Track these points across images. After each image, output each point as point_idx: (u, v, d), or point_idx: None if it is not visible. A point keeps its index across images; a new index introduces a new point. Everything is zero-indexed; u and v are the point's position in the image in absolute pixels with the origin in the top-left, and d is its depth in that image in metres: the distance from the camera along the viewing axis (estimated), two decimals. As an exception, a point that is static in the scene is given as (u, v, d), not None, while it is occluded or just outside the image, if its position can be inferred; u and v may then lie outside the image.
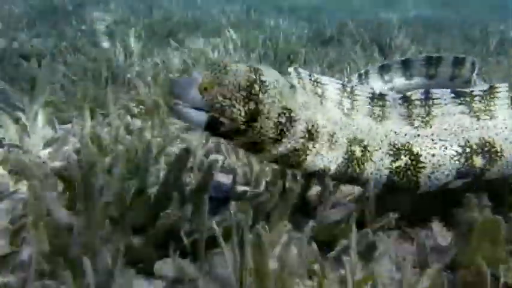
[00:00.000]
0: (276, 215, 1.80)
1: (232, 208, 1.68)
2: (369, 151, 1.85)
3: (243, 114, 1.66)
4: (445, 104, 1.87)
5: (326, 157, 1.83)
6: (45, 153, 2.57)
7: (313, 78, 1.88)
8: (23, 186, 2.10)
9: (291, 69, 1.86)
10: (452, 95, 1.88)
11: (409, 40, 6.58)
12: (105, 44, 5.30)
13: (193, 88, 1.64)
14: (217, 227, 1.56)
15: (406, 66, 3.81)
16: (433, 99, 1.88)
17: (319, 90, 1.87)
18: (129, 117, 3.29)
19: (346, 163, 1.85)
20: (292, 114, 1.74)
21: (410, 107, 1.88)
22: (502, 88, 1.89)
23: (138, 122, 3.21)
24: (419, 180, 1.85)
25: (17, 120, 2.69)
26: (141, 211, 1.78)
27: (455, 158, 1.83)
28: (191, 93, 1.63)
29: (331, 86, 1.91)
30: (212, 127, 1.68)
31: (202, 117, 1.65)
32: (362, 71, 3.83)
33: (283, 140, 1.75)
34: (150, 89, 3.68)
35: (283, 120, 1.72)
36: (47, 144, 2.62)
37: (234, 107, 1.65)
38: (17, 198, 2.03)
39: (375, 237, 1.77)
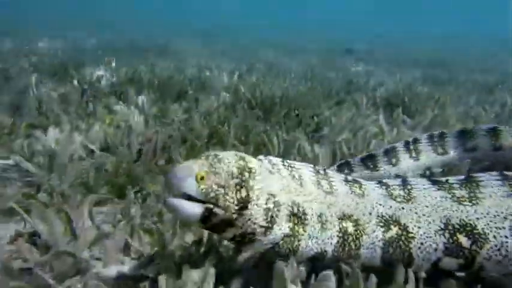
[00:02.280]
0: None
1: None
2: (360, 225, 1.85)
3: (235, 202, 1.66)
4: (424, 189, 1.93)
5: (320, 239, 1.81)
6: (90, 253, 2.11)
7: (286, 164, 1.90)
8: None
9: (261, 157, 1.87)
10: (429, 182, 1.95)
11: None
12: (118, 108, 4.92)
13: (189, 177, 1.63)
14: None
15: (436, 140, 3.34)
16: (411, 184, 1.95)
17: (296, 174, 1.89)
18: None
19: (342, 241, 1.82)
20: (276, 199, 1.76)
21: (388, 189, 1.94)
22: (483, 177, 1.92)
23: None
24: (412, 252, 1.83)
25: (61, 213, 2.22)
26: None
27: (440, 233, 1.83)
28: (187, 182, 1.63)
29: (306, 169, 1.93)
30: (206, 219, 1.66)
31: (197, 209, 1.64)
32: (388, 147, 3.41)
33: (274, 227, 1.74)
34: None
35: (271, 205, 1.74)
36: (93, 243, 2.15)
37: (227, 195, 1.66)
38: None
39: None
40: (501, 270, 1.84)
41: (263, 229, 1.72)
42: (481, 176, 1.94)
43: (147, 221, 2.48)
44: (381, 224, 1.85)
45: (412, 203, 1.89)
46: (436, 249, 1.83)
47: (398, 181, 1.98)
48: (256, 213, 1.70)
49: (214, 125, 4.34)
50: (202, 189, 1.63)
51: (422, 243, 1.83)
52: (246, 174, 1.70)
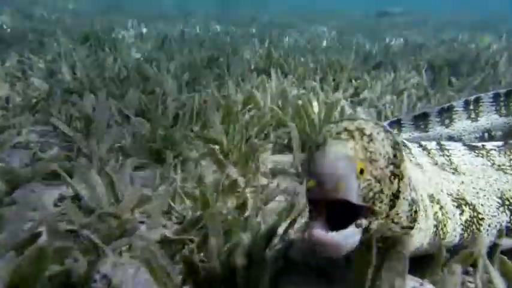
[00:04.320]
0: None
1: None
2: (443, 207, 1.49)
3: (386, 201, 1.17)
4: (462, 155, 1.66)
5: (424, 230, 1.41)
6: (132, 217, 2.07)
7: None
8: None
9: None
10: (465, 147, 1.69)
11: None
12: (151, 73, 4.84)
13: (353, 174, 1.08)
14: None
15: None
16: (447, 149, 1.67)
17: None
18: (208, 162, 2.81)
19: (435, 231, 1.46)
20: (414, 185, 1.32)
21: (430, 155, 1.64)
22: None
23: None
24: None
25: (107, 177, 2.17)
26: None
27: (501, 209, 1.58)
28: (352, 184, 1.08)
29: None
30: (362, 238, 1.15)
31: (355, 234, 1.11)
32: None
33: (415, 225, 1.30)
34: (227, 126, 3.18)
35: (414, 195, 1.28)
36: (136, 206, 2.11)
37: (383, 193, 1.16)
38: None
39: None
40: None
41: (404, 230, 1.27)
42: None
43: (187, 185, 2.42)
44: (455, 204, 1.54)
45: (463, 174, 1.61)
46: (499, 230, 1.58)
47: (433, 144, 1.70)
48: (402, 209, 1.24)
49: (249, 89, 4.21)
50: (362, 189, 1.11)
51: (489, 225, 1.58)
52: (399, 155, 1.20)
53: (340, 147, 1.11)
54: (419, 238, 1.39)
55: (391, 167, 1.17)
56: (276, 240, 1.75)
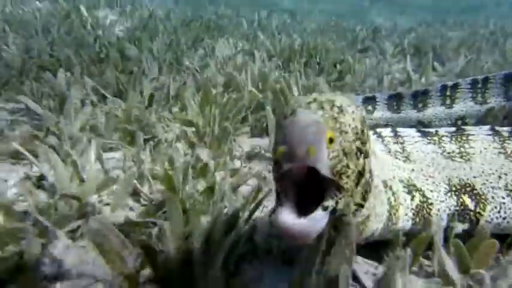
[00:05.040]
0: None
1: None
2: (395, 193, 1.53)
3: (353, 178, 1.14)
4: (415, 142, 1.70)
5: (379, 216, 1.43)
6: (99, 199, 2.03)
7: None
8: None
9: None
10: (419, 134, 1.72)
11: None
12: (132, 53, 4.72)
13: (323, 140, 1.04)
14: None
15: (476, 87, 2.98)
16: (402, 136, 1.71)
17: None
18: (182, 145, 2.77)
19: (388, 216, 1.48)
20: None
21: (384, 143, 1.68)
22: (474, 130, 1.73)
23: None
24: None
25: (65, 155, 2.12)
26: None
27: (449, 195, 1.62)
28: (322, 150, 1.03)
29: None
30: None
31: (323, 218, 1.07)
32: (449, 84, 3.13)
33: (365, 205, 1.28)
34: (204, 108, 3.13)
35: (368, 177, 1.26)
36: (100, 188, 2.06)
37: (349, 168, 1.12)
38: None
39: None
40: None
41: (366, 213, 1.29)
42: (472, 129, 1.75)
43: (157, 167, 2.38)
44: (406, 190, 1.59)
45: (414, 162, 1.65)
46: (448, 214, 1.63)
47: (388, 131, 1.73)
48: (365, 187, 1.24)
49: (230, 72, 4.13)
50: (330, 159, 1.07)
51: (439, 210, 1.62)
52: (365, 131, 1.19)
53: (310, 114, 1.08)
54: (375, 223, 1.40)
55: (358, 142, 1.15)
56: (241, 225, 1.73)
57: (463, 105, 2.92)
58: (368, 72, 4.50)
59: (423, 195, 1.61)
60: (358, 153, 1.15)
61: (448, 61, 4.98)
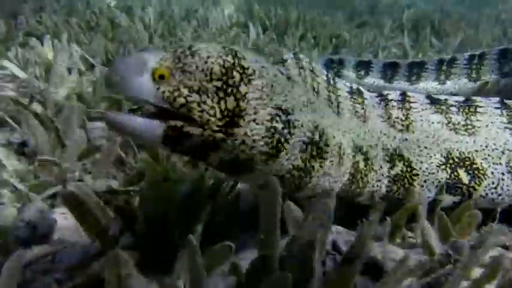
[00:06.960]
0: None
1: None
2: (369, 159, 1.55)
3: (218, 115, 1.19)
4: (422, 110, 1.66)
5: (333, 176, 1.45)
6: (82, 168, 1.99)
7: (311, 67, 1.51)
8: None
9: (287, 56, 1.49)
10: (428, 100, 1.68)
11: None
12: (123, 22, 4.60)
13: (142, 74, 1.15)
14: None
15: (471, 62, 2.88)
16: (410, 102, 1.67)
17: (315, 84, 1.50)
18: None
19: (351, 179, 1.51)
20: (290, 118, 1.29)
21: (387, 107, 1.65)
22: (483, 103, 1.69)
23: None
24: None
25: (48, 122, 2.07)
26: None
27: (442, 167, 1.61)
28: (139, 82, 1.15)
29: (322, 77, 1.56)
30: (173, 140, 1.19)
31: (156, 127, 1.17)
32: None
33: (280, 156, 1.29)
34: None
35: (278, 125, 1.27)
36: (82, 156, 2.02)
37: (205, 103, 1.18)
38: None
39: None
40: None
41: (264, 157, 1.26)
42: (481, 101, 1.71)
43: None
44: (386, 158, 1.59)
45: (412, 132, 1.63)
46: (437, 186, 1.62)
47: (397, 95, 1.69)
48: (254, 133, 1.22)
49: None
50: (163, 93, 1.15)
51: (425, 181, 1.61)
52: (237, 75, 1.21)
53: (145, 54, 1.21)
54: (324, 182, 1.43)
55: (218, 83, 1.20)
56: (223, 192, 1.70)
57: (457, 82, 2.85)
58: (364, 47, 4.41)
59: (408, 166, 1.60)
60: (221, 93, 1.20)
61: (447, 37, 4.89)
